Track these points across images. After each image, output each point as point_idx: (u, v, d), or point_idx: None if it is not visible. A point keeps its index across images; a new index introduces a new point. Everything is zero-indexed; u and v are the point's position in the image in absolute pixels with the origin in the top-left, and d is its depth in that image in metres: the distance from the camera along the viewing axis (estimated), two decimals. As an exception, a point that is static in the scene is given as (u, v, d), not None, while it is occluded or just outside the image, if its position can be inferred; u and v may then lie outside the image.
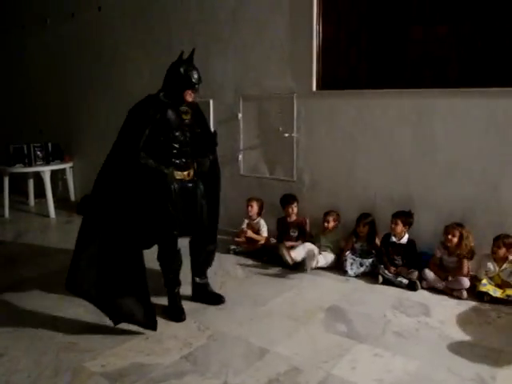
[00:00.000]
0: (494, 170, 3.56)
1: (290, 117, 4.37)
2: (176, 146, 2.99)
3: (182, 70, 2.94)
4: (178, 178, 3.01)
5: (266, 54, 4.45)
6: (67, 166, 6.39)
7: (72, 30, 6.06)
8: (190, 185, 3.09)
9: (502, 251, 3.41)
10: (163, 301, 3.19)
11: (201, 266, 3.34)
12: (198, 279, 3.36)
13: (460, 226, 3.56)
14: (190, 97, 2.99)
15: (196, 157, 3.12)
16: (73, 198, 6.54)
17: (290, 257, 3.84)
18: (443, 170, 3.75)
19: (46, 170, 5.96)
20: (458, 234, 3.52)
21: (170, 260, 3.10)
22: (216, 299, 3.32)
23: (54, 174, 6.24)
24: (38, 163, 6.00)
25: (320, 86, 4.25)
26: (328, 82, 4.23)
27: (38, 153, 6.01)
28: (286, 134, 4.40)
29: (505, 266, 3.43)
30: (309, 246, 3.97)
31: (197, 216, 3.13)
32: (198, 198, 3.12)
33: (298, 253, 3.89)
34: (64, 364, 2.60)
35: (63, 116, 6.46)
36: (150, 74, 5.35)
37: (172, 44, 5.10)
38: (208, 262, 3.38)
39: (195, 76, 2.97)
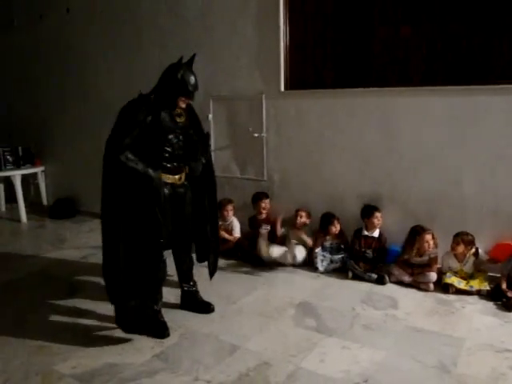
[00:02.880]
0: (456, 165, 3.68)
1: (260, 117, 4.42)
2: (169, 149, 2.87)
3: (179, 75, 2.79)
4: (168, 181, 2.89)
5: (235, 56, 4.49)
6: (38, 170, 6.30)
7: (40, 31, 5.97)
8: (181, 190, 2.99)
9: (461, 248, 3.52)
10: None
11: (186, 272, 3.25)
12: (185, 286, 3.26)
13: (424, 230, 3.64)
14: (183, 103, 2.88)
15: (188, 160, 3.01)
16: (45, 202, 6.45)
17: (266, 250, 3.93)
18: (408, 166, 3.86)
19: (17, 175, 5.87)
20: (430, 237, 3.62)
21: (155, 270, 2.90)
22: (205, 308, 3.22)
23: (25, 179, 6.16)
24: (8, 168, 5.89)
25: (288, 87, 4.30)
26: (295, 82, 4.29)
27: (8, 157, 5.90)
28: (256, 134, 4.44)
29: (466, 259, 3.55)
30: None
31: (182, 222, 3.04)
32: (186, 204, 3.04)
33: (276, 250, 3.98)
34: (34, 367, 2.59)
35: (33, 119, 6.37)
36: (120, 75, 5.34)
37: (142, 46, 5.12)
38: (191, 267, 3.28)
39: (192, 83, 2.82)
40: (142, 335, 2.86)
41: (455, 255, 3.57)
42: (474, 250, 3.54)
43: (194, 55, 2.93)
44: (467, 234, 3.53)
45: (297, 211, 4.20)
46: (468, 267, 3.55)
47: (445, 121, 3.68)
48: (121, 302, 2.83)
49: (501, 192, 3.55)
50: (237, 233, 4.41)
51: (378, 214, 3.86)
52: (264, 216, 4.34)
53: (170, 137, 2.87)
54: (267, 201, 4.34)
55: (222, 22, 4.52)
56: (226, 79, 4.59)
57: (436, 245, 3.65)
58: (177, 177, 2.95)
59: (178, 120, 2.92)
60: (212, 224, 3.25)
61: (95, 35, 5.51)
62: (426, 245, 3.62)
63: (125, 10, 5.21)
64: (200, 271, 3.34)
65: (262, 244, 3.97)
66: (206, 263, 3.30)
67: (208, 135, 3.14)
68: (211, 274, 3.32)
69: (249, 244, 4.21)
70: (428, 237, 3.63)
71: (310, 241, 4.11)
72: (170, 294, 3.36)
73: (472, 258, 3.55)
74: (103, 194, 2.84)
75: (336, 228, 4.03)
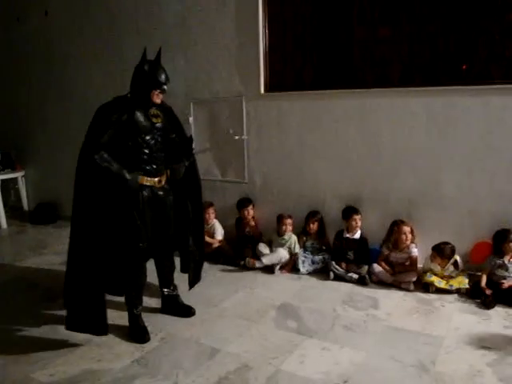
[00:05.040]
0: (434, 165, 3.71)
1: (240, 119, 4.41)
2: (146, 150, 2.82)
3: (147, 68, 2.76)
4: (147, 184, 2.84)
5: (215, 59, 4.48)
6: (19, 174, 6.22)
7: (18, 34, 5.89)
8: (161, 193, 2.93)
9: (438, 260, 3.56)
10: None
11: (167, 276, 3.23)
12: (165, 291, 3.25)
13: (403, 222, 3.70)
14: (157, 98, 2.82)
15: (170, 163, 2.98)
16: (26, 207, 6.37)
17: (254, 264, 3.98)
18: (388, 167, 3.88)
19: (-4, 180, 5.81)
20: (408, 230, 3.66)
21: (134, 275, 2.91)
22: (186, 312, 3.20)
23: (6, 184, 6.08)
24: (-12, 173, 5.84)
25: (268, 89, 4.30)
26: (275, 84, 4.29)
27: (-13, 162, 5.86)
28: (237, 137, 4.44)
29: (447, 266, 3.57)
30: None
31: (163, 226, 3.00)
32: (166, 207, 2.98)
33: (269, 258, 3.99)
34: (11, 377, 2.56)
35: (13, 124, 6.29)
36: (101, 78, 5.30)
37: (122, 49, 5.07)
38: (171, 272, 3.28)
39: (162, 75, 2.79)
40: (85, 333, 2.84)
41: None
42: (453, 260, 3.55)
43: (160, 49, 2.89)
44: (445, 246, 3.54)
45: (281, 219, 4.15)
46: (449, 272, 3.57)
47: (423, 121, 3.71)
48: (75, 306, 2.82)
49: (479, 191, 3.59)
50: (218, 236, 4.40)
51: (356, 217, 3.88)
52: (249, 220, 4.37)
53: (147, 138, 2.84)
54: (251, 207, 4.37)
55: (202, 26, 4.50)
56: (206, 82, 4.57)
57: (413, 240, 3.68)
58: (156, 179, 2.91)
59: (155, 120, 2.88)
60: (196, 232, 3.22)
61: (74, 38, 5.45)
62: (403, 236, 3.65)
63: (104, 14, 5.17)
64: (181, 275, 3.32)
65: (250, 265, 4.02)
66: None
67: (191, 138, 3.10)
68: (191, 284, 3.30)
69: (232, 249, 4.22)
70: (406, 228, 3.66)
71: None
72: (151, 299, 3.35)
73: (452, 267, 3.57)
74: (76, 196, 2.80)
75: (312, 226, 4.04)
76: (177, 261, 3.26)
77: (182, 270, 3.26)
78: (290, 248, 4.08)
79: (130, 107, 2.79)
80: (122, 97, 2.85)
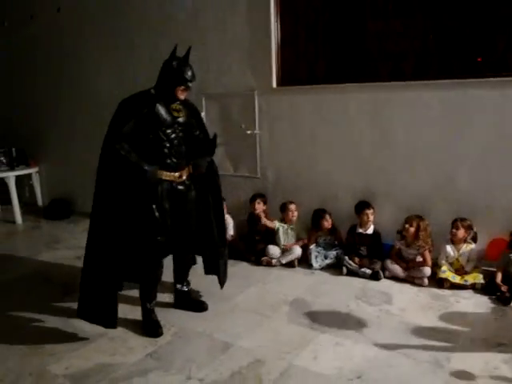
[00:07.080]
0: (449, 160, 3.66)
1: (252, 114, 4.39)
2: (167, 144, 2.81)
3: (174, 64, 2.79)
4: (166, 178, 2.84)
5: (227, 53, 4.47)
6: (33, 170, 6.28)
7: (31, 31, 5.94)
8: (181, 187, 2.92)
9: (461, 232, 3.52)
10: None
11: (183, 272, 3.23)
12: (179, 286, 3.25)
13: (419, 217, 3.66)
14: (181, 94, 2.82)
15: (191, 158, 2.97)
16: (40, 203, 6.44)
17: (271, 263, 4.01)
18: (401, 161, 3.84)
19: (11, 176, 5.84)
20: (415, 224, 3.62)
21: (151, 268, 2.89)
22: (198, 307, 3.21)
23: (20, 180, 6.13)
24: (2, 169, 5.86)
25: (280, 83, 4.29)
26: (287, 78, 4.28)
27: (2, 158, 5.88)
28: (249, 131, 4.42)
29: (463, 248, 3.54)
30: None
31: (183, 221, 2.96)
32: (187, 202, 2.96)
33: (287, 258, 4.02)
34: (27, 369, 2.59)
35: (27, 120, 6.35)
36: (113, 74, 5.33)
37: (134, 44, 5.10)
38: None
39: (188, 72, 2.80)
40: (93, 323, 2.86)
41: (453, 242, 3.57)
42: (472, 233, 3.55)
43: (190, 48, 2.92)
44: (465, 219, 3.54)
45: (286, 205, 4.17)
46: (463, 259, 3.54)
47: (438, 115, 3.66)
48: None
49: (494, 187, 3.54)
50: (230, 230, 4.39)
51: (368, 212, 3.85)
52: (260, 214, 4.33)
53: (168, 131, 2.83)
54: (260, 200, 4.34)
55: (213, 20, 4.50)
56: (217, 77, 4.56)
57: (424, 238, 3.62)
58: (176, 174, 2.88)
59: (176, 115, 2.87)
60: (218, 228, 3.19)
61: (87, 35, 5.48)
62: (406, 226, 3.62)
63: (116, 10, 5.18)
64: (194, 268, 3.32)
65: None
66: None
67: (215, 136, 3.05)
68: (222, 283, 3.27)
69: (244, 245, 4.22)
70: (412, 222, 3.62)
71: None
72: (164, 293, 3.35)
73: (469, 247, 3.54)
74: (97, 187, 2.83)
75: (328, 222, 4.02)
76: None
77: (207, 272, 3.25)
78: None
79: (152, 101, 2.79)
80: (145, 91, 2.85)
